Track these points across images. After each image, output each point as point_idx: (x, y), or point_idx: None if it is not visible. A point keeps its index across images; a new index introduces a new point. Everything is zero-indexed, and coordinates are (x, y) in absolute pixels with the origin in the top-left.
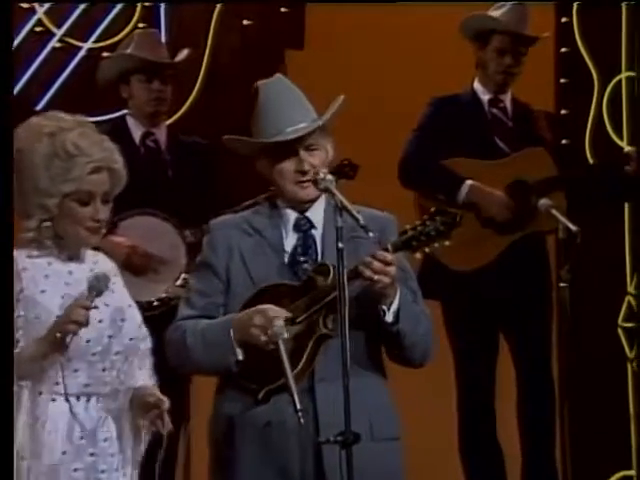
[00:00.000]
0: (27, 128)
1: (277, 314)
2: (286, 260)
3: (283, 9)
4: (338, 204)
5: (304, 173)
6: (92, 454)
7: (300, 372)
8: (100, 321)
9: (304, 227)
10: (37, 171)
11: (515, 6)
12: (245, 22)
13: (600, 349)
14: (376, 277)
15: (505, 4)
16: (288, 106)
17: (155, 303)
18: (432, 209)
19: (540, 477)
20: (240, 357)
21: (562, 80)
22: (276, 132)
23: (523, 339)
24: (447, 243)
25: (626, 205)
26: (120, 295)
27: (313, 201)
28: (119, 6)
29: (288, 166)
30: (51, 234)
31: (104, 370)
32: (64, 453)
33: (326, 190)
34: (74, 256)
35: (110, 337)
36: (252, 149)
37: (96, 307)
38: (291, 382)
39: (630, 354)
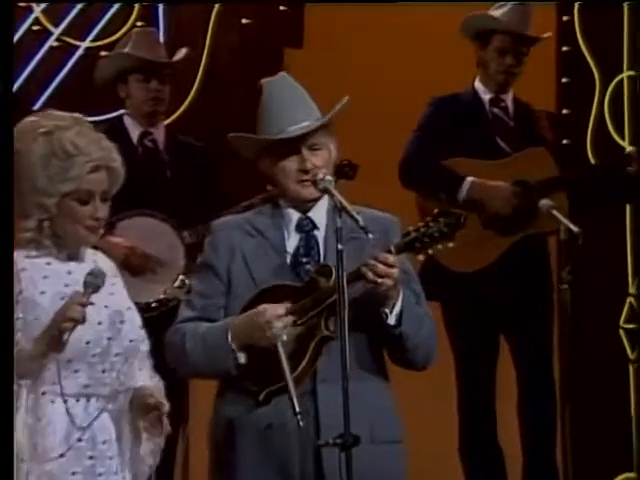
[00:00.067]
0: (22, 128)
1: (275, 312)
2: (288, 261)
3: (282, 8)
4: (337, 205)
5: (306, 172)
6: (91, 457)
7: (302, 374)
8: (99, 323)
9: (306, 227)
10: (35, 171)
11: (517, 6)
12: (244, 21)
13: (601, 350)
14: (379, 280)
15: (506, 4)
16: (291, 104)
17: (153, 304)
18: (435, 211)
19: (541, 479)
20: (242, 361)
21: (563, 79)
22: (279, 130)
23: (524, 340)
24: (451, 245)
25: (628, 206)
26: (119, 297)
27: (315, 200)
28: (117, 5)
29: (291, 165)
30: (50, 233)
31: (104, 371)
32: (62, 456)
33: (325, 191)
34: (73, 255)
35: (109, 339)
36: (255, 148)
37: (92, 304)
38: (290, 384)
39: (632, 355)
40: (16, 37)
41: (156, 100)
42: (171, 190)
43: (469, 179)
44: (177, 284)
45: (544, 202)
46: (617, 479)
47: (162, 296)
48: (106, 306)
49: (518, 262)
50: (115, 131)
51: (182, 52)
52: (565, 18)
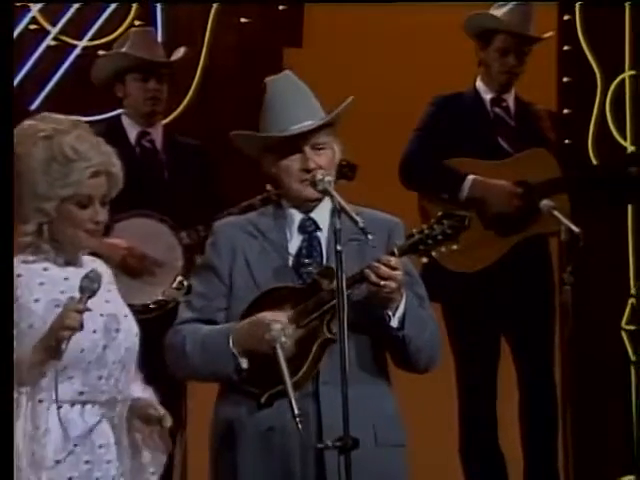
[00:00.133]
0: (22, 132)
1: (275, 318)
2: (290, 262)
3: (281, 7)
4: (336, 206)
5: (309, 171)
6: (87, 462)
7: (304, 376)
8: (94, 331)
9: (309, 228)
10: (35, 175)
11: (518, 5)
12: (243, 20)
13: (603, 352)
14: (382, 282)
15: (507, 3)
16: (295, 103)
17: (151, 306)
18: (439, 213)
19: None
20: (245, 366)
21: (565, 79)
22: (282, 129)
23: (525, 342)
24: (455, 247)
25: (629, 207)
26: (115, 305)
27: (318, 201)
28: (115, 4)
29: (293, 164)
30: (49, 237)
31: (100, 378)
32: (57, 462)
33: (324, 192)
34: (72, 261)
35: (105, 347)
36: (258, 146)
37: (89, 310)
38: (289, 387)
39: (633, 357)
40: (13, 36)
41: (154, 100)
42: (169, 190)
43: (471, 177)
44: (175, 285)
45: (545, 203)
46: None
47: (160, 297)
48: (101, 314)
49: (519, 263)
50: (113, 131)
51: (180, 51)
52: (566, 17)
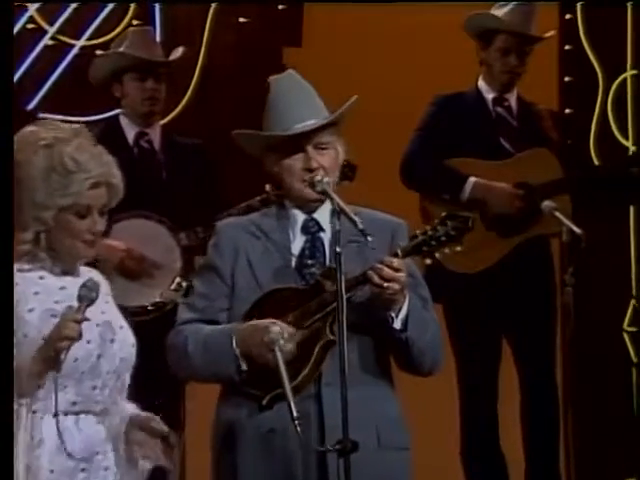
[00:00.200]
0: (23, 139)
1: (274, 321)
2: (293, 263)
3: (281, 7)
4: (336, 207)
5: (311, 171)
6: (83, 469)
7: (306, 377)
8: (88, 342)
9: (312, 229)
10: (35, 184)
11: (519, 5)
12: (242, 20)
13: (605, 354)
14: (385, 284)
15: (508, 3)
16: (298, 102)
17: (149, 308)
18: (443, 214)
19: None
20: (244, 367)
21: (566, 79)
22: (285, 128)
23: (526, 343)
24: (459, 248)
25: (631, 208)
26: (110, 315)
27: (321, 202)
28: (113, 4)
29: (296, 163)
30: (46, 246)
31: (94, 389)
32: (52, 472)
33: (323, 193)
34: (69, 270)
35: (99, 357)
36: (260, 145)
37: (87, 319)
38: (287, 391)
39: (635, 359)
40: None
41: (152, 100)
42: (167, 191)
43: (472, 179)
44: (173, 287)
45: (546, 204)
46: None
47: (158, 299)
48: (97, 324)
49: (520, 264)
50: (111, 131)
51: (179, 51)
52: (568, 16)
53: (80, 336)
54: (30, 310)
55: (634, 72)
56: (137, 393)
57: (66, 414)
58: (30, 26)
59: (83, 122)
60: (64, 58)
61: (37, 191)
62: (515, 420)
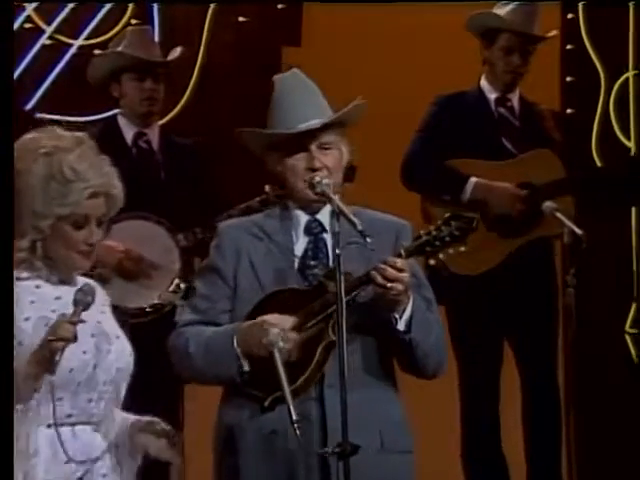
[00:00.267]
0: (23, 146)
1: (273, 321)
2: (296, 265)
3: (280, 6)
4: (335, 209)
5: (314, 170)
6: (80, 478)
7: (309, 379)
8: (84, 352)
9: (315, 230)
10: (33, 192)
11: (522, 4)
12: (241, 19)
13: (607, 355)
14: (389, 284)
15: (510, 2)
16: (302, 101)
17: (147, 309)
18: (447, 214)
19: None
20: (246, 368)
21: (568, 78)
22: (289, 127)
23: (528, 345)
24: (463, 249)
25: (633, 209)
26: (107, 325)
27: (324, 202)
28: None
29: (299, 163)
30: (42, 255)
31: (90, 401)
32: None
33: (322, 194)
34: (65, 280)
35: (95, 367)
36: (263, 144)
37: (83, 321)
38: (286, 393)
39: (637, 360)
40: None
41: (150, 100)
42: (166, 192)
43: (473, 179)
44: (172, 288)
45: (548, 204)
46: None
47: (156, 301)
48: (93, 334)
49: (522, 265)
50: (109, 131)
51: (177, 51)
52: (570, 16)
53: (75, 338)
54: (26, 319)
55: (636, 72)
56: (134, 395)
57: (62, 425)
58: (28, 26)
59: (81, 122)
60: (62, 58)
61: (36, 199)
62: (517, 422)
